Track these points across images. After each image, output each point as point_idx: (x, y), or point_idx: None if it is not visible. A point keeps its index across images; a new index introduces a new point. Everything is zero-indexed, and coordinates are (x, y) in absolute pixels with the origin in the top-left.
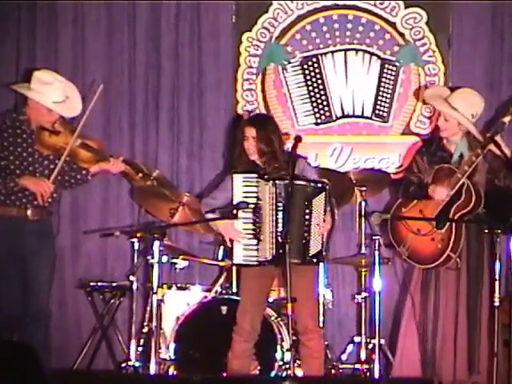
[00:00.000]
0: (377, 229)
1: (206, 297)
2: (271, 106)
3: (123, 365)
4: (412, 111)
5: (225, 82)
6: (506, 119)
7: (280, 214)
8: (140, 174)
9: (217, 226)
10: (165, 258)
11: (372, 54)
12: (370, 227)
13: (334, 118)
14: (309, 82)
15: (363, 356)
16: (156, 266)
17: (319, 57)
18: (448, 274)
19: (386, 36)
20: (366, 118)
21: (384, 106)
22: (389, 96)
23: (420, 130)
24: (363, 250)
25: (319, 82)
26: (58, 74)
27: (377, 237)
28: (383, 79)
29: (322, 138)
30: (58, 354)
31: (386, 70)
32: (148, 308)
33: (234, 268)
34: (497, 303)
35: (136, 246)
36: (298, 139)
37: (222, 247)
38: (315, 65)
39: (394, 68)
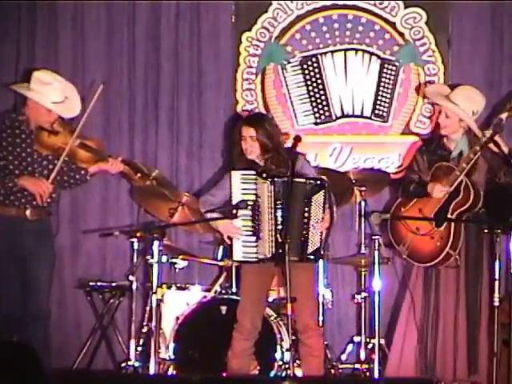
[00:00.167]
0: (376, 228)
1: (205, 297)
2: (271, 105)
3: (123, 365)
4: (412, 111)
5: (224, 81)
6: (503, 115)
7: (279, 212)
8: (139, 174)
9: (216, 225)
10: (164, 258)
11: (372, 53)
12: (370, 227)
13: (334, 117)
14: (308, 82)
15: (363, 356)
16: (155, 266)
17: (319, 57)
18: (448, 273)
19: (385, 36)
20: (366, 117)
21: (384, 106)
22: (388, 96)
23: (420, 130)
24: (363, 250)
25: (319, 81)
26: (57, 74)
27: (376, 237)
28: (383, 79)
29: (321, 137)
30: (58, 353)
31: (385, 70)
32: (147, 308)
33: (234, 268)
34: (496, 303)
35: (135, 246)
36: (297, 139)
37: (221, 247)
38: (315, 64)
39: (394, 68)
